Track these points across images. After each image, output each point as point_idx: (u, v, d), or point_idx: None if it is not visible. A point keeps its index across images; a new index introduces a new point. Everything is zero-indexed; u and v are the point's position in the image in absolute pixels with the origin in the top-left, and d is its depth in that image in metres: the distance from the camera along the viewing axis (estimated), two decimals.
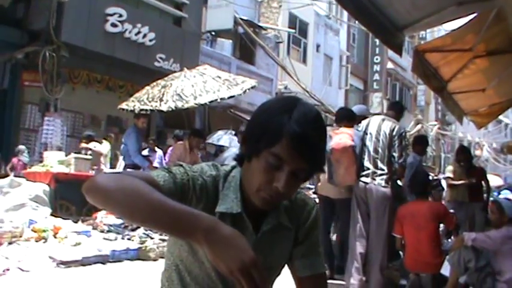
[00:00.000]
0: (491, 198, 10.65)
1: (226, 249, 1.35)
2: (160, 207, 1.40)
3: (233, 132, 15.43)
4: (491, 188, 11.39)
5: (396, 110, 6.88)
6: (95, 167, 10.85)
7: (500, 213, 5.84)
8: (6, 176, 10.05)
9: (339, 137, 6.47)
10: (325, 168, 6.61)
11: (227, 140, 15.36)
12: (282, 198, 1.72)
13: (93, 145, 11.68)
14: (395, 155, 6.34)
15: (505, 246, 5.51)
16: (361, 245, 6.48)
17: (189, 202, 1.68)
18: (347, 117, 7.16)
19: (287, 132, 1.59)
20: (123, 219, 1.49)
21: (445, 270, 6.00)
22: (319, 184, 6.93)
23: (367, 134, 6.48)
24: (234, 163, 1.86)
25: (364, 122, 6.69)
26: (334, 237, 7.89)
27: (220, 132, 16.18)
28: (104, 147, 12.70)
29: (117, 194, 1.44)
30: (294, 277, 1.95)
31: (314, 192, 7.00)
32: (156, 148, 12.87)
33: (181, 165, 1.77)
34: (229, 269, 1.34)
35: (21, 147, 12.99)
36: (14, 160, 12.52)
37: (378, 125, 6.45)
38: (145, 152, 12.34)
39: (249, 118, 1.78)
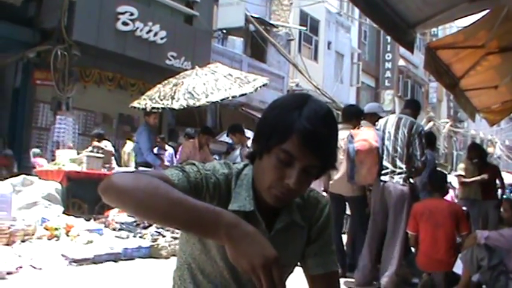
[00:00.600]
0: (505, 196, 10.61)
1: (249, 246, 1.35)
2: (181, 204, 1.40)
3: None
4: (506, 185, 11.33)
5: (413, 108, 6.87)
6: (107, 165, 10.91)
7: None
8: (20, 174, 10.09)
9: (364, 138, 6.47)
10: (343, 167, 6.61)
11: None
12: (294, 195, 1.72)
13: (104, 144, 11.74)
14: (417, 153, 6.32)
15: None
16: (378, 243, 6.46)
17: (202, 200, 1.65)
18: (356, 115, 7.17)
19: (297, 128, 1.59)
20: (142, 218, 1.51)
21: (458, 268, 5.97)
22: (331, 182, 6.91)
23: (385, 133, 6.47)
24: (246, 161, 1.87)
25: (381, 121, 6.69)
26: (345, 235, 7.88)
27: None
28: (128, 146, 12.78)
29: (137, 193, 1.44)
30: (307, 275, 1.95)
31: (324, 190, 6.97)
32: (167, 146, 12.88)
33: (194, 164, 1.77)
34: (252, 264, 1.34)
35: (36, 150, 13.03)
36: (35, 160, 12.53)
37: (396, 124, 6.45)
38: (155, 151, 12.40)
39: (260, 116, 1.78)
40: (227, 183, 1.78)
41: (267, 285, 1.33)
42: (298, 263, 1.96)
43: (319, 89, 20.26)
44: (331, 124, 1.66)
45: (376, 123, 6.80)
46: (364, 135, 6.51)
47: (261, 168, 1.71)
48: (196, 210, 1.40)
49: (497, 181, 10.21)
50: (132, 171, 1.57)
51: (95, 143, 12.03)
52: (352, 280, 6.45)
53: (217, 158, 11.74)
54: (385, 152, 6.42)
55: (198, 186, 1.69)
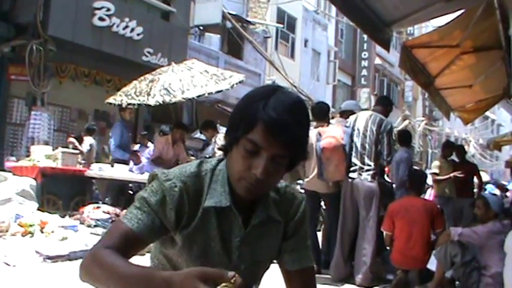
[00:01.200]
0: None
1: None
2: (124, 279, 1.52)
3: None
4: (483, 183, 11.44)
5: (384, 104, 6.89)
6: (83, 162, 10.93)
7: (486, 209, 5.89)
8: None
9: (331, 135, 6.50)
10: (314, 165, 6.66)
11: None
12: (263, 186, 1.70)
13: (89, 141, 11.79)
14: (384, 152, 6.37)
15: (490, 241, 5.56)
16: (349, 240, 6.52)
17: (169, 214, 1.71)
18: (328, 112, 7.22)
19: (262, 118, 1.59)
20: None
21: (432, 265, 6.04)
22: (307, 179, 6.95)
23: (354, 130, 6.51)
24: (220, 156, 1.86)
25: (351, 118, 6.72)
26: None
27: None
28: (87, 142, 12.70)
29: (100, 279, 1.61)
30: (283, 271, 1.95)
31: (301, 188, 7.01)
32: (149, 143, 12.81)
33: (156, 177, 1.77)
34: None
35: None
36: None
37: (366, 121, 6.49)
38: (136, 147, 12.38)
39: None
40: (198, 181, 1.77)
41: None
42: (274, 260, 1.96)
43: (295, 86, 20.27)
44: (297, 113, 1.65)
45: (347, 119, 6.83)
46: (332, 133, 6.56)
47: (231, 160, 1.72)
48: (135, 279, 1.50)
49: (475, 179, 10.29)
50: (96, 253, 1.66)
51: (71, 139, 11.99)
52: (328, 276, 6.49)
53: (192, 154, 11.70)
54: (354, 148, 6.47)
55: (160, 207, 1.70)
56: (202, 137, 12.09)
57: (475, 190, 10.55)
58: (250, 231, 1.81)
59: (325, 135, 6.53)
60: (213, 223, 1.77)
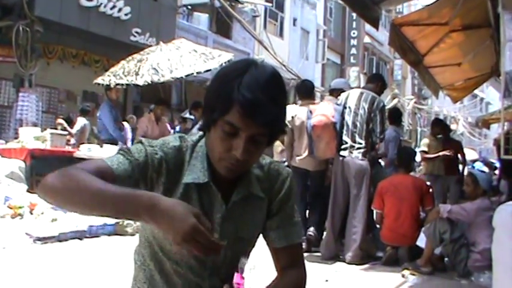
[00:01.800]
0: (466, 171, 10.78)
1: (167, 223, 1.38)
2: (102, 195, 1.45)
3: None
4: (467, 161, 11.51)
5: (376, 82, 6.86)
6: (71, 143, 10.89)
7: (475, 186, 5.93)
8: None
9: (321, 113, 6.49)
10: (307, 143, 6.66)
11: None
12: (245, 165, 1.70)
13: (82, 122, 11.76)
14: (377, 130, 6.37)
15: (479, 217, 5.61)
16: (340, 218, 6.54)
17: (149, 179, 1.70)
18: (313, 89, 7.22)
19: (237, 99, 1.56)
20: (77, 213, 1.56)
21: (421, 241, 6.08)
22: (300, 158, 6.93)
23: (346, 107, 6.49)
24: (201, 133, 1.84)
25: (343, 96, 6.67)
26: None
27: None
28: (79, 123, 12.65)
29: (63, 192, 1.50)
30: (270, 248, 1.94)
31: (287, 166, 7.00)
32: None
33: (140, 142, 1.76)
34: (175, 241, 1.37)
35: None
36: None
37: (357, 99, 6.45)
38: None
39: None
40: (179, 156, 1.76)
41: (200, 253, 1.37)
42: (262, 236, 1.95)
43: (284, 65, 20.22)
44: (273, 90, 1.62)
45: (339, 96, 6.80)
46: (322, 111, 6.54)
47: (210, 141, 1.70)
48: (115, 197, 1.44)
49: (460, 157, 10.36)
50: (66, 169, 1.56)
51: (59, 120, 11.93)
52: (318, 254, 6.53)
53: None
54: (345, 126, 6.46)
55: (140, 166, 1.67)
56: (192, 117, 12.07)
57: (460, 168, 10.63)
58: (231, 208, 1.80)
59: (315, 113, 6.53)
60: (194, 199, 1.76)
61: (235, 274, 1.87)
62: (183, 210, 1.39)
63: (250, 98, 1.56)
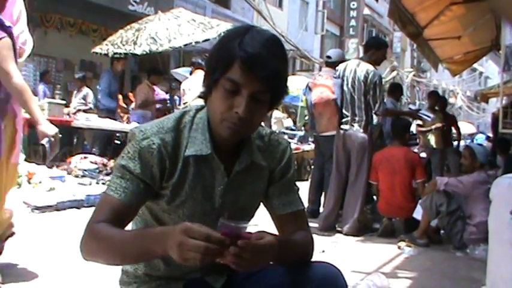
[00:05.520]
0: (462, 144, 10.86)
1: (163, 250, 1.50)
2: (120, 247, 1.61)
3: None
4: (462, 134, 11.57)
5: (371, 49, 6.57)
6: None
7: (472, 159, 5.94)
8: None
9: (320, 90, 6.47)
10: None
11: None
12: (247, 125, 1.70)
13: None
14: (372, 104, 6.29)
15: (475, 190, 5.64)
16: (342, 191, 6.54)
17: (157, 171, 1.73)
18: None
19: (238, 55, 1.59)
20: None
21: (417, 214, 6.12)
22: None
23: (344, 80, 6.40)
24: (199, 104, 1.84)
25: (340, 67, 6.55)
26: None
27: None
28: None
29: (102, 256, 1.67)
30: (274, 217, 1.94)
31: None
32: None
33: (133, 136, 1.75)
34: (179, 261, 1.46)
35: None
36: None
37: (354, 72, 6.34)
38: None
39: None
40: (177, 135, 1.76)
41: (204, 263, 1.43)
42: (264, 206, 1.96)
43: (283, 36, 20.07)
44: (273, 47, 1.65)
45: (337, 67, 6.69)
46: (322, 87, 6.51)
47: (211, 104, 1.71)
48: (128, 245, 1.60)
49: (454, 130, 10.40)
50: (92, 230, 1.69)
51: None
52: (315, 225, 6.55)
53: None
54: (344, 99, 6.39)
55: (142, 172, 1.71)
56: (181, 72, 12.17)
57: (455, 141, 10.72)
58: (234, 178, 1.81)
59: (315, 90, 6.51)
60: (193, 173, 1.76)
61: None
62: (168, 232, 1.49)
63: (251, 52, 1.58)
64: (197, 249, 1.40)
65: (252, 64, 1.58)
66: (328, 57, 7.53)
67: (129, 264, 1.88)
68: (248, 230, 1.55)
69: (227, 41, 1.65)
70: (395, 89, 9.07)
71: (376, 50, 6.54)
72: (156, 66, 11.32)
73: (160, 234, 1.52)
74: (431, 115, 8.23)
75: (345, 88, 6.36)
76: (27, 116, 3.76)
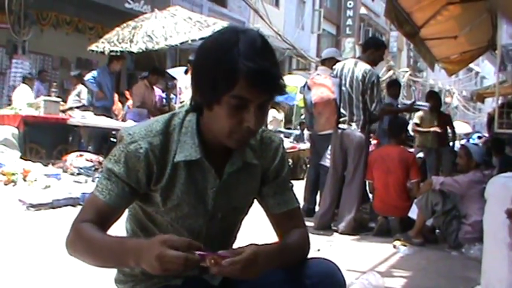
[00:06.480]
0: (457, 143, 10.87)
1: (138, 262, 1.53)
2: (99, 251, 1.64)
3: None
4: (456, 134, 11.57)
5: (368, 49, 6.60)
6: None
7: (468, 158, 5.94)
8: None
9: (321, 90, 6.45)
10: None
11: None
12: (254, 133, 1.73)
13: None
14: (369, 104, 6.29)
15: (471, 190, 5.64)
16: (339, 190, 6.53)
17: (143, 176, 1.72)
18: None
19: (242, 71, 1.54)
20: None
21: (413, 213, 6.12)
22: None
23: (341, 79, 6.40)
24: (186, 107, 1.82)
25: (338, 66, 6.55)
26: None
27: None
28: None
29: (85, 255, 1.69)
30: (269, 216, 1.94)
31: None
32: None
33: (121, 141, 1.75)
34: (154, 273, 1.51)
35: None
36: None
37: (352, 71, 6.35)
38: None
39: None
40: (166, 138, 1.75)
41: (183, 272, 1.48)
42: (259, 204, 1.96)
43: (280, 35, 20.07)
44: (269, 54, 1.64)
45: (334, 67, 6.70)
46: (321, 86, 6.50)
47: (214, 119, 1.67)
48: (106, 251, 1.63)
49: (449, 130, 10.42)
50: (76, 229, 1.70)
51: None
52: (311, 224, 6.55)
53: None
54: (342, 99, 6.40)
55: (127, 175, 1.71)
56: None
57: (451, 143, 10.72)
58: (226, 180, 1.80)
59: (314, 90, 6.51)
60: (184, 177, 1.76)
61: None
62: (143, 246, 1.52)
63: (255, 68, 1.55)
64: (178, 260, 1.43)
65: (258, 79, 1.56)
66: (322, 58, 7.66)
67: (111, 269, 1.90)
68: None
69: (222, 53, 1.58)
70: (393, 85, 9.11)
71: (375, 50, 6.56)
72: (157, 67, 11.30)
73: (135, 247, 1.54)
74: (427, 103, 8.29)
75: (343, 87, 6.36)
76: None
